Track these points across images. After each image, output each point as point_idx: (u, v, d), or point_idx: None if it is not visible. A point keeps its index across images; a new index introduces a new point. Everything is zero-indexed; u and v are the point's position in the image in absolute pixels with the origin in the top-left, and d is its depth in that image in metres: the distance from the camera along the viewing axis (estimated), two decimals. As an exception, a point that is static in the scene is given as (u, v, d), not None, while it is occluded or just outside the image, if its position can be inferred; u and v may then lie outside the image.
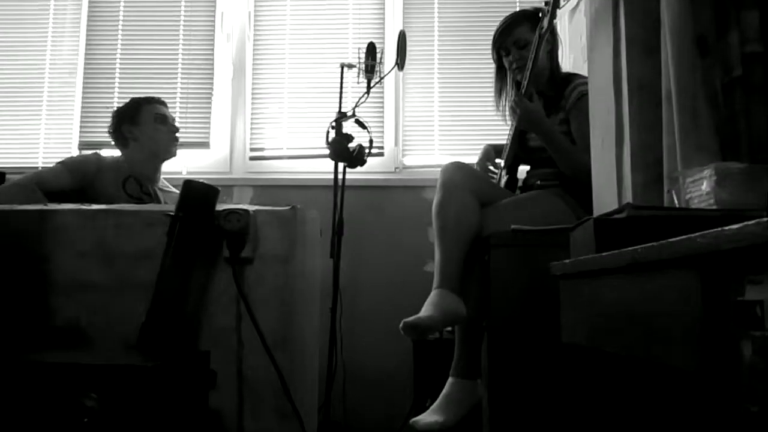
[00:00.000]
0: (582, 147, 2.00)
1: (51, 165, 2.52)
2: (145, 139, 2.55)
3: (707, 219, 0.97)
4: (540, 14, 2.14)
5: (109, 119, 2.63)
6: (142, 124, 2.56)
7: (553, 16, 2.10)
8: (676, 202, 1.23)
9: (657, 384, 1.10)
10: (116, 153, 2.65)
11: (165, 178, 2.66)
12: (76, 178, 2.40)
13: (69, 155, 3.07)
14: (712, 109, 1.27)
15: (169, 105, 2.69)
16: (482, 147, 2.52)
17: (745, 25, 1.29)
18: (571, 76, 2.28)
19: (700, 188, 1.11)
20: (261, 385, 1.59)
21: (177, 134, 2.61)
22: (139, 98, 2.63)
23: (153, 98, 2.64)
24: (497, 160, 2.43)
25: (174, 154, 2.60)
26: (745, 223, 0.56)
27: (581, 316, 1.10)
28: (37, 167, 3.07)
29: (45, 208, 1.74)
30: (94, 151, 2.65)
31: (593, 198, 1.76)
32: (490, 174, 2.44)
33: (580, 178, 2.00)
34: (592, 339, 1.05)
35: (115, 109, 2.64)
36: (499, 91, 2.43)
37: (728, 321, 0.62)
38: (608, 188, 1.60)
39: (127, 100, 2.64)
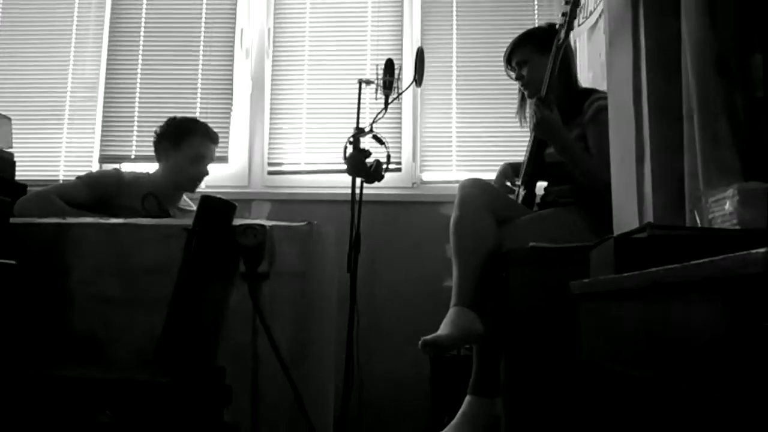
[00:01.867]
0: (600, 160, 1.99)
1: (71, 179, 2.54)
2: (175, 167, 2.55)
3: (730, 239, 0.95)
4: (557, 26, 2.15)
5: (163, 121, 2.62)
6: (180, 153, 2.54)
7: (569, 28, 2.11)
8: (698, 222, 1.21)
9: (679, 407, 1.08)
10: (137, 168, 2.66)
11: (186, 195, 2.67)
12: (95, 194, 2.41)
13: (89, 169, 3.10)
14: (734, 128, 1.26)
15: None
16: (500, 165, 2.52)
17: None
18: (589, 91, 2.28)
19: (723, 208, 1.09)
20: (276, 401, 1.59)
21: (205, 178, 2.61)
22: (195, 125, 2.60)
23: (207, 131, 2.60)
24: (515, 179, 2.43)
25: (193, 192, 2.61)
26: (772, 246, 0.55)
27: (601, 336, 1.09)
28: (58, 180, 3.10)
29: (63, 221, 1.75)
30: (114, 167, 2.66)
31: (613, 217, 1.74)
32: (508, 191, 2.43)
33: (596, 190, 1.99)
34: (612, 360, 1.03)
35: (173, 117, 2.62)
36: (521, 102, 2.44)
37: (753, 346, 0.61)
38: (628, 207, 1.58)
39: (187, 117, 2.62)
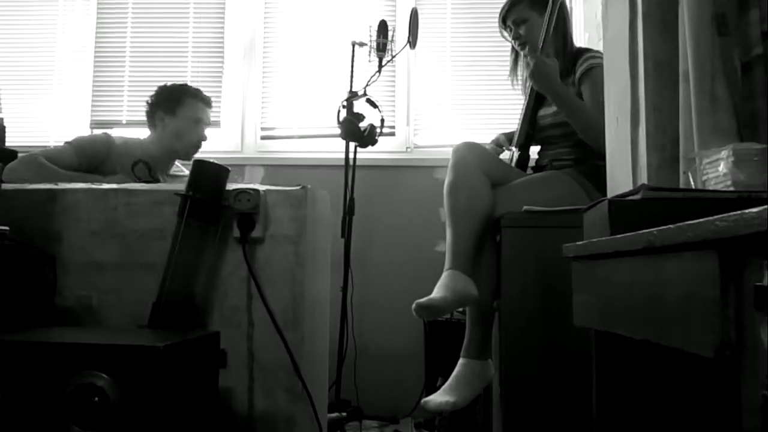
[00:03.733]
0: (596, 111, 1.97)
1: (61, 144, 2.51)
2: (173, 133, 2.50)
3: (724, 201, 0.95)
4: None
5: (154, 91, 2.56)
6: (177, 119, 2.50)
7: None
8: (692, 183, 1.21)
9: (672, 368, 1.09)
10: (126, 134, 2.63)
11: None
12: (84, 159, 2.38)
13: (80, 135, 3.07)
14: (731, 88, 1.25)
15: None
16: (494, 127, 2.50)
17: (766, 3, 1.26)
18: (583, 50, 2.26)
19: (717, 169, 1.09)
20: (271, 365, 1.59)
21: (202, 142, 2.56)
22: (187, 89, 2.55)
23: (200, 95, 2.56)
24: (509, 147, 2.41)
25: (189, 159, 2.57)
26: (767, 206, 0.54)
27: (594, 298, 1.09)
28: (48, 146, 3.07)
29: (55, 187, 1.74)
30: (104, 131, 2.62)
31: (607, 179, 1.74)
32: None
33: (593, 139, 1.99)
34: (605, 322, 1.04)
35: (163, 85, 2.56)
36: (513, 64, 2.41)
37: (747, 306, 0.61)
38: (623, 169, 1.58)
39: (176, 84, 2.57)
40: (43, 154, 2.38)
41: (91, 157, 2.39)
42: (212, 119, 3.10)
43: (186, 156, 2.55)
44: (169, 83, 2.56)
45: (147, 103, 2.55)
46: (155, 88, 2.56)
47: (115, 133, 2.62)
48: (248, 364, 1.60)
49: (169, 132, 2.50)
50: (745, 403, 0.61)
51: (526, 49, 2.25)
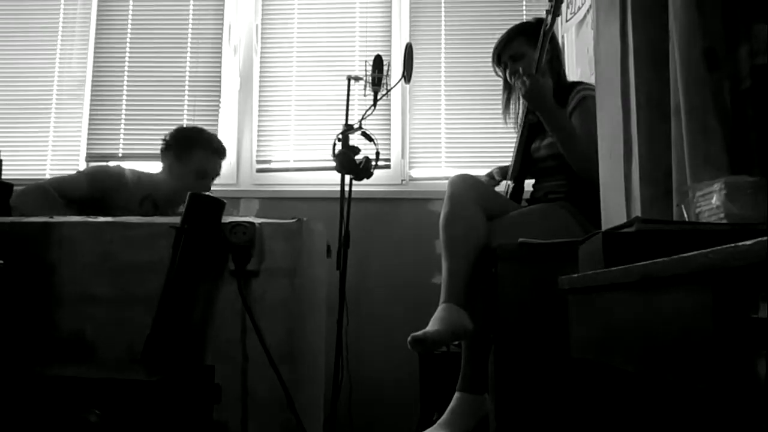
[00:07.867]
0: (588, 141, 1.98)
1: (63, 173, 2.50)
2: (175, 179, 2.50)
3: (718, 233, 0.96)
4: (545, 12, 2.16)
5: (174, 128, 2.56)
6: (183, 166, 2.50)
7: (556, 13, 2.12)
8: (685, 216, 1.21)
9: (668, 401, 1.08)
10: (134, 166, 2.62)
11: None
12: (95, 189, 2.38)
13: (76, 168, 3.08)
14: (722, 122, 1.26)
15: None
16: (489, 161, 2.52)
17: (755, 38, 1.28)
18: (576, 84, 2.28)
19: (710, 202, 1.10)
20: (266, 399, 1.58)
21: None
22: (200, 138, 2.54)
23: (213, 145, 2.53)
24: (505, 181, 2.43)
25: None
26: (760, 239, 0.55)
27: (590, 331, 1.09)
28: (44, 179, 3.08)
29: (51, 220, 1.74)
30: (117, 164, 2.61)
31: (601, 211, 1.74)
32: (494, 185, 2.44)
33: (582, 164, 2.00)
34: (601, 354, 1.03)
35: (181, 126, 2.55)
36: (506, 102, 2.43)
37: (741, 339, 0.61)
38: (616, 202, 1.59)
39: (193, 128, 2.55)
40: (53, 182, 2.38)
41: (102, 187, 2.39)
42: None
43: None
44: (187, 125, 2.56)
45: (164, 139, 2.55)
46: (174, 126, 2.56)
47: (120, 165, 2.60)
48: (242, 398, 1.58)
49: (174, 176, 2.50)
50: (743, 437, 0.60)
51: (520, 70, 2.27)
